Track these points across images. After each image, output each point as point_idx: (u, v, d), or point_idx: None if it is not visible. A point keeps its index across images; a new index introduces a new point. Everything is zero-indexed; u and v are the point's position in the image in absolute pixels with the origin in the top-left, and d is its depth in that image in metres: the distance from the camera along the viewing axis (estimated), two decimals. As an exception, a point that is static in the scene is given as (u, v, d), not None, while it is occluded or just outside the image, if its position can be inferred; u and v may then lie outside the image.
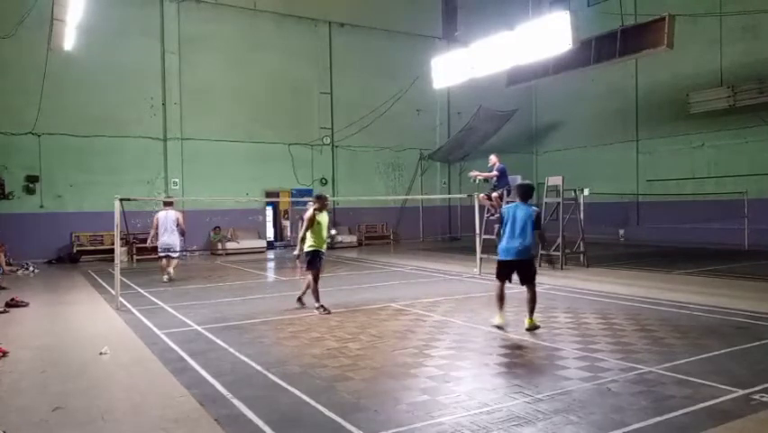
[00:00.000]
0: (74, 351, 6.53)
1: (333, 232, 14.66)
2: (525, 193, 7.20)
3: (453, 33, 23.72)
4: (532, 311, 6.92)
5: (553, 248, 12.77)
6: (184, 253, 12.46)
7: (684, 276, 11.92)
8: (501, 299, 7.01)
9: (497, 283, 7.08)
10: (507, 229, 6.97)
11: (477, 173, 13.10)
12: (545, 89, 25.15)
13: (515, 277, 7.01)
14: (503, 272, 7.02)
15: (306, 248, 8.63)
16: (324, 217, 8.73)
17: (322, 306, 8.47)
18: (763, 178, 18.69)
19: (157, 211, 13.00)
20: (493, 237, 12.72)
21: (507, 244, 6.95)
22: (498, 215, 12.39)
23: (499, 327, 6.86)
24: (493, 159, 12.89)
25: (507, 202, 12.52)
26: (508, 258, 6.94)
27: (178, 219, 12.10)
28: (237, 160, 19.92)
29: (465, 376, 5.25)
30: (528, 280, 6.96)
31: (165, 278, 12.07)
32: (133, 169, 18.33)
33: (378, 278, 12.32)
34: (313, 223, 8.56)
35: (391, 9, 22.64)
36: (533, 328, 6.81)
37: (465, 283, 11.47)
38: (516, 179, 13.09)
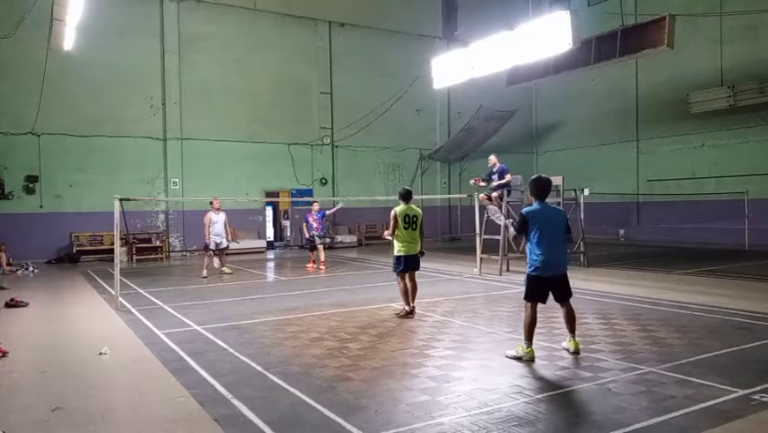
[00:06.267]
0: (74, 351, 6.53)
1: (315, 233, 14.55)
2: (545, 189, 5.94)
3: (453, 33, 23.71)
4: (574, 330, 5.97)
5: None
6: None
7: (684, 276, 11.92)
8: (534, 325, 5.79)
9: (528, 306, 5.81)
10: (546, 236, 5.70)
11: (492, 184, 12.91)
12: (545, 89, 25.17)
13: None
14: (541, 292, 5.78)
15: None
16: (408, 212, 8.12)
17: (404, 308, 8.12)
18: (763, 178, 18.68)
19: (206, 211, 13.74)
20: (495, 237, 12.90)
21: (550, 256, 5.69)
22: (503, 216, 12.43)
23: (531, 360, 5.65)
24: (493, 159, 12.87)
25: (508, 202, 12.54)
26: (553, 273, 5.76)
27: (226, 221, 13.59)
28: (237, 160, 19.92)
29: (465, 376, 5.24)
30: (568, 296, 5.93)
31: (205, 272, 13.11)
32: (133, 169, 18.33)
33: (378, 278, 12.32)
34: (396, 221, 8.06)
35: (391, 9, 22.64)
36: (577, 351, 5.86)
37: (465, 283, 11.47)
38: (517, 179, 13.07)
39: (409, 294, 8.12)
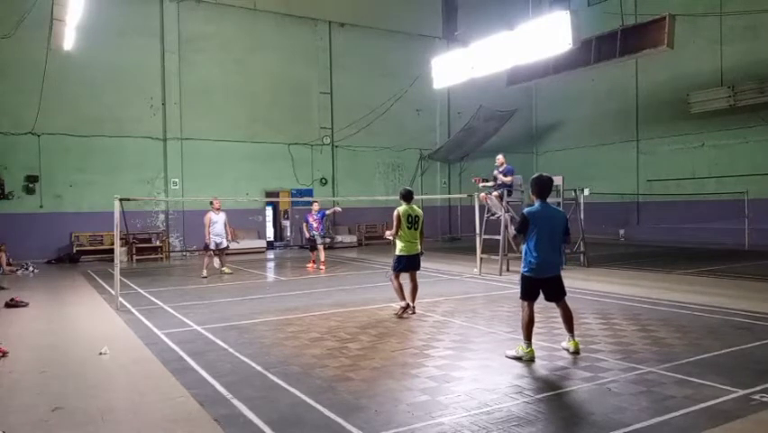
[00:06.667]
0: (74, 351, 6.53)
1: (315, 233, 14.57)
2: (547, 187, 5.92)
3: (453, 33, 23.72)
4: (573, 330, 5.98)
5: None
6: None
7: (684, 276, 11.92)
8: (532, 324, 5.83)
9: (525, 305, 5.83)
10: (543, 239, 5.70)
11: (494, 183, 12.90)
12: (545, 89, 25.17)
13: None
14: (535, 291, 5.83)
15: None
16: (410, 212, 8.17)
17: (400, 305, 8.16)
18: (763, 178, 18.68)
19: (206, 211, 13.74)
20: (495, 237, 12.89)
21: (545, 258, 5.70)
22: (504, 214, 12.42)
23: (531, 360, 5.67)
24: (500, 159, 12.81)
25: (508, 202, 12.53)
26: (547, 275, 5.79)
27: (226, 221, 13.58)
28: (237, 160, 19.92)
29: (465, 376, 5.24)
30: (562, 295, 5.92)
31: (205, 272, 13.11)
32: (133, 169, 18.33)
33: (378, 278, 12.31)
34: (400, 221, 8.08)
35: (391, 9, 22.64)
36: (577, 351, 5.87)
37: (465, 283, 11.47)
38: (518, 179, 13.06)
39: (405, 290, 8.18)
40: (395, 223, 8.11)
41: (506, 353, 5.91)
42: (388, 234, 8.38)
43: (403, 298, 8.14)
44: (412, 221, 8.14)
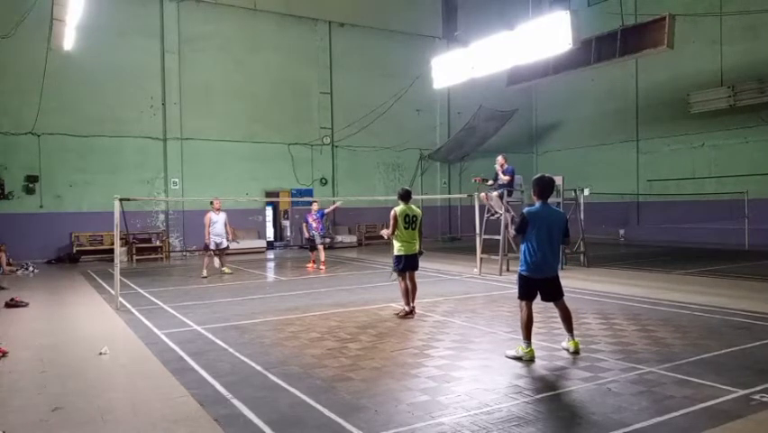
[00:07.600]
0: (74, 351, 6.52)
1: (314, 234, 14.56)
2: (548, 188, 5.92)
3: (453, 33, 23.71)
4: (572, 330, 5.98)
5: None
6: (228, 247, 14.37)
7: (684, 276, 11.92)
8: (532, 323, 5.82)
9: (523, 305, 5.84)
10: (542, 239, 5.71)
11: (490, 183, 12.94)
12: (545, 89, 25.15)
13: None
14: (532, 291, 5.84)
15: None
16: (408, 212, 8.16)
17: (404, 309, 8.14)
18: (763, 178, 18.68)
19: (206, 211, 13.72)
20: (495, 237, 12.89)
21: (543, 258, 5.72)
22: (502, 213, 12.42)
23: (531, 360, 5.66)
24: (500, 159, 12.82)
25: (508, 202, 12.53)
26: (543, 276, 5.80)
27: (227, 221, 13.53)
28: (237, 160, 19.92)
29: (465, 376, 5.24)
30: (559, 296, 5.92)
31: (205, 272, 13.10)
32: (133, 169, 18.34)
33: (378, 278, 12.32)
34: (397, 221, 8.08)
35: (391, 9, 22.64)
36: (577, 351, 5.86)
37: (465, 283, 11.47)
38: (517, 179, 13.06)
39: (409, 294, 8.15)
40: (391, 223, 8.12)
41: (506, 353, 5.91)
42: (384, 232, 8.39)
43: (407, 302, 8.11)
44: (409, 221, 8.14)
